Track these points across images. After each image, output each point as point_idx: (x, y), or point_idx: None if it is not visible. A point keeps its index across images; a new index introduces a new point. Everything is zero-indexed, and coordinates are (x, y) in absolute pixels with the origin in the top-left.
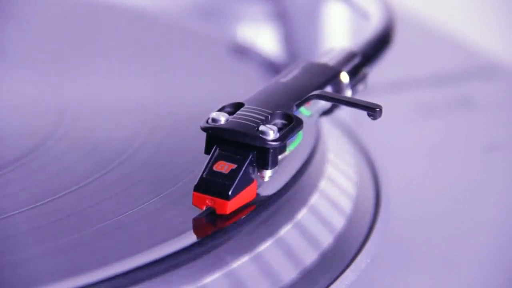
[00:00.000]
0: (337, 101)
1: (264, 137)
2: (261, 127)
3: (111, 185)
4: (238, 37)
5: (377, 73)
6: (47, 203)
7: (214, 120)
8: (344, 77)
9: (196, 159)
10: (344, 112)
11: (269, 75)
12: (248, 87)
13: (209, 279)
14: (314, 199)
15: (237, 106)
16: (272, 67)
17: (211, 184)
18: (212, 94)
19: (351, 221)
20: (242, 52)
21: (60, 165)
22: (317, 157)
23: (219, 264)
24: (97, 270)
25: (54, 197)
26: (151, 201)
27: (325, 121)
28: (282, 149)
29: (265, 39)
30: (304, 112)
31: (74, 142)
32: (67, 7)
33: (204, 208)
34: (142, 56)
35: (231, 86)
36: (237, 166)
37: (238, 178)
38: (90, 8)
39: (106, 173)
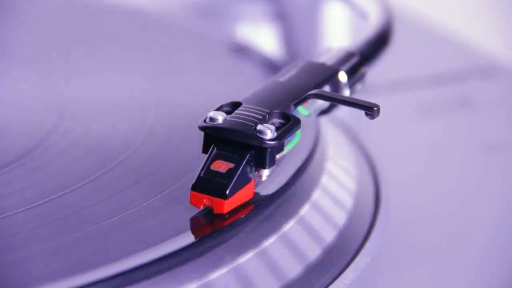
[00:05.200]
0: (335, 100)
1: (262, 136)
2: (259, 126)
3: (110, 185)
4: (238, 36)
5: (376, 73)
6: (47, 203)
7: (211, 119)
8: (342, 76)
9: (195, 159)
10: (344, 112)
11: (269, 74)
12: (248, 86)
13: (215, 275)
14: (316, 195)
15: (235, 105)
16: (272, 67)
17: (208, 183)
18: (211, 94)
19: (352, 218)
20: (242, 51)
21: (60, 164)
22: (318, 155)
23: (225, 260)
24: (97, 269)
25: (53, 197)
26: (149, 201)
27: (325, 121)
28: (280, 148)
29: (265, 39)
30: (302, 111)
31: (74, 142)
32: (67, 7)
33: (202, 207)
34: (142, 56)
35: (230, 85)
36: (234, 165)
37: (235, 177)
38: (90, 8)
39: (105, 173)
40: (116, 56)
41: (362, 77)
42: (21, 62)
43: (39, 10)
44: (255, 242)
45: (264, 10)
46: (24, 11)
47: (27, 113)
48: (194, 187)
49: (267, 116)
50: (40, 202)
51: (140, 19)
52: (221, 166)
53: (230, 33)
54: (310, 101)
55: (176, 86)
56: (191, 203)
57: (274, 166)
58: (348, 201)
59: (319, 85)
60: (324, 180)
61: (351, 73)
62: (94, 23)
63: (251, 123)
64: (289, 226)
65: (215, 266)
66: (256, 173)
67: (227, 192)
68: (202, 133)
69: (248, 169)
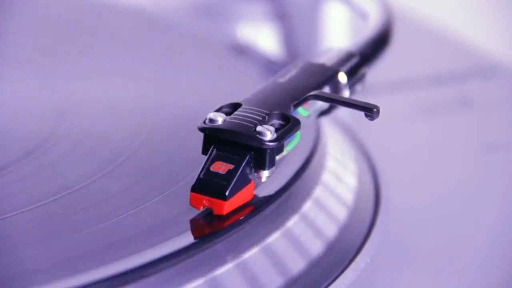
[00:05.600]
0: (335, 101)
1: (261, 137)
2: (258, 128)
3: (111, 185)
4: (238, 36)
5: (377, 73)
6: (47, 204)
7: (211, 120)
8: (342, 77)
9: (194, 160)
10: (344, 112)
11: (269, 75)
12: (248, 87)
13: (219, 271)
14: (318, 192)
15: (235, 106)
16: (272, 67)
17: (208, 185)
18: (211, 94)
19: (352, 217)
20: (242, 51)
21: (60, 165)
22: (318, 154)
23: (228, 256)
24: (98, 269)
25: (53, 198)
26: (149, 202)
27: (326, 121)
28: (280, 149)
29: (265, 39)
30: (302, 112)
31: (74, 143)
32: (67, 7)
33: (201, 208)
34: (141, 56)
35: (230, 86)
36: (234, 167)
37: (235, 179)
38: (90, 8)
39: (106, 174)
40: (116, 56)
41: (362, 78)
42: (21, 62)
43: (39, 10)
44: (258, 238)
45: (264, 10)
46: (23, 11)
47: (27, 114)
48: (194, 188)
49: (266, 117)
50: (40, 203)
51: (140, 19)
52: (220, 167)
53: (230, 33)
54: (310, 102)
55: (176, 86)
56: (191, 204)
57: (273, 167)
58: (349, 201)
59: (319, 86)
60: (326, 178)
61: (351, 73)
62: (94, 23)
63: (250, 124)
64: (292, 222)
65: (219, 262)
66: (255, 174)
67: (227, 193)
68: (201, 134)
69: (248, 170)
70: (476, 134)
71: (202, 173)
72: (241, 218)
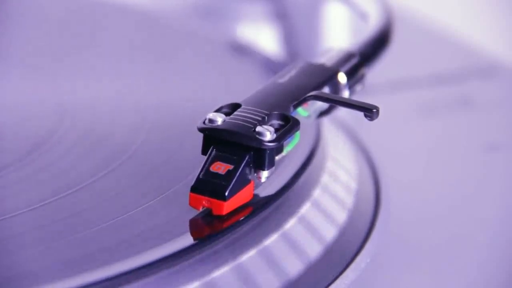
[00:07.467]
0: (334, 102)
1: (261, 138)
2: (258, 128)
3: (110, 186)
4: (238, 36)
5: (377, 73)
6: (47, 204)
7: (211, 120)
8: (342, 77)
9: (194, 160)
10: (344, 112)
11: (269, 75)
12: (248, 87)
13: (216, 273)
14: (317, 193)
15: (234, 106)
16: (272, 67)
17: (207, 185)
18: (211, 94)
19: (352, 218)
20: (242, 51)
21: (60, 166)
22: (318, 154)
23: (226, 258)
24: (98, 270)
25: (53, 198)
26: (149, 203)
27: (326, 121)
28: (279, 150)
29: (265, 39)
30: (301, 112)
31: (73, 143)
32: (67, 7)
33: (201, 209)
34: (141, 55)
35: (230, 86)
36: (233, 167)
37: (234, 179)
38: (90, 8)
39: (105, 174)
40: (116, 56)
41: (361, 78)
42: (21, 62)
43: (39, 10)
44: (256, 240)
45: (264, 10)
46: (24, 11)
47: (27, 114)
48: (194, 189)
49: (266, 117)
50: (40, 204)
51: (140, 19)
52: (220, 167)
53: (230, 33)
54: (310, 102)
55: (176, 86)
56: (190, 204)
57: (273, 168)
58: (349, 201)
59: (319, 86)
60: (325, 179)
61: (350, 74)
62: (94, 23)
63: (250, 125)
64: (290, 224)
65: (217, 264)
66: (255, 174)
67: (226, 193)
68: (201, 135)
69: (247, 171)
70: (476, 134)
71: (201, 173)
72: (239, 219)
